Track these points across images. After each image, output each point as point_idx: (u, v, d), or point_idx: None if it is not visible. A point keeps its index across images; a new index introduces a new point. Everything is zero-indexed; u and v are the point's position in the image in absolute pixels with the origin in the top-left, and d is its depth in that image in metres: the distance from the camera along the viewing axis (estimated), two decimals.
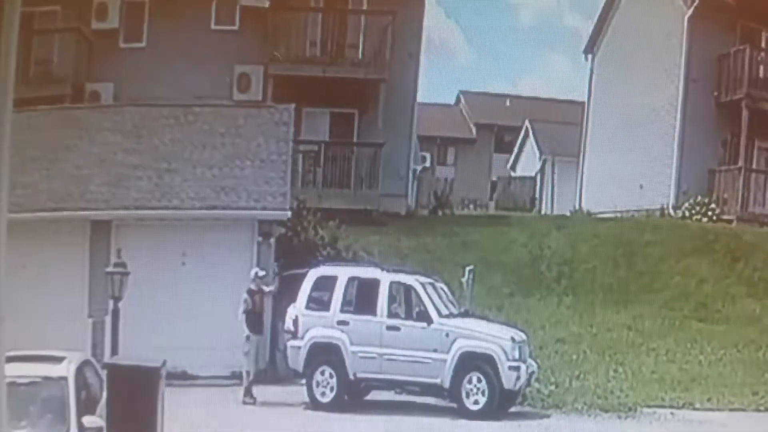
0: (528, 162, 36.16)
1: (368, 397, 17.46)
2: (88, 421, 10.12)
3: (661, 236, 23.26)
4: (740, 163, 25.75)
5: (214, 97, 23.28)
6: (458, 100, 40.58)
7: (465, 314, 17.70)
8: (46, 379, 10.29)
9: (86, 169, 19.60)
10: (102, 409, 10.63)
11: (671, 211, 25.73)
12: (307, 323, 17.20)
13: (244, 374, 17.34)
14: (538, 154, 35.42)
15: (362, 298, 17.27)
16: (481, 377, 16.54)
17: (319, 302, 17.31)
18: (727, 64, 26.25)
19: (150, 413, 10.56)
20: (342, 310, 17.20)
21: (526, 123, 36.49)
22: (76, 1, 24.78)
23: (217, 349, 18.17)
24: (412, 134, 26.31)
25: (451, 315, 17.17)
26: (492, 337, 16.78)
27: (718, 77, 26.28)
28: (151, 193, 19.37)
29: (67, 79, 24.42)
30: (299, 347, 17.17)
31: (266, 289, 17.89)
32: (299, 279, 17.72)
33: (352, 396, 17.24)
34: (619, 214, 26.21)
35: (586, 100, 30.33)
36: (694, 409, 17.27)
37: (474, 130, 39.23)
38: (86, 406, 10.44)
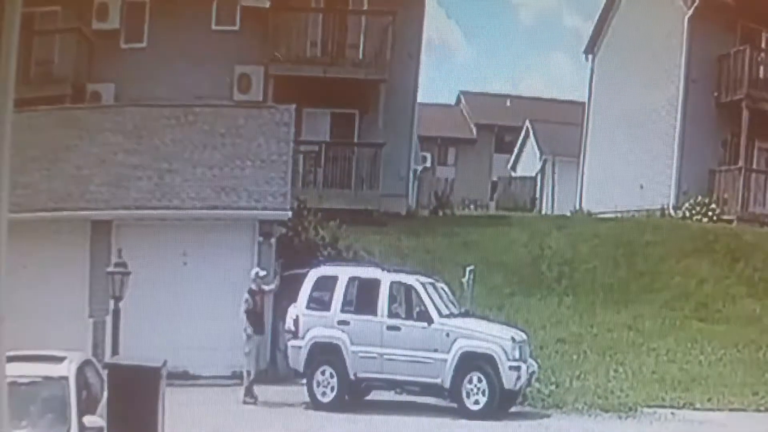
0: (528, 162, 36.15)
1: (369, 397, 17.48)
2: (88, 420, 10.14)
3: (662, 236, 23.26)
4: (740, 163, 25.75)
5: (214, 97, 23.29)
6: (459, 101, 40.57)
7: (465, 314, 17.71)
8: (47, 378, 10.31)
9: (87, 169, 19.62)
10: (103, 409, 10.65)
11: (671, 212, 25.72)
12: (308, 323, 17.22)
13: (245, 374, 17.36)
14: (538, 155, 35.41)
15: (363, 298, 17.29)
16: (482, 377, 16.56)
17: (319, 302, 17.33)
18: (727, 65, 26.24)
19: (151, 413, 10.58)
20: (342, 310, 17.22)
21: (527, 123, 36.48)
22: (77, 2, 24.78)
23: (218, 349, 18.19)
24: (413, 134, 26.31)
25: (451, 315, 17.18)
26: (492, 337, 16.80)
27: (719, 77, 26.28)
28: (152, 193, 19.38)
29: (68, 79, 24.42)
30: (300, 347, 17.19)
31: (266, 288, 17.90)
32: (300, 279, 17.74)
33: (353, 396, 17.25)
34: (619, 214, 26.21)
35: (586, 100, 30.32)
36: (695, 409, 17.28)
37: (474, 131, 39.22)
38: (87, 405, 10.46)
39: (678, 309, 21.05)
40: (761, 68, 26.43)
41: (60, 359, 10.76)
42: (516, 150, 37.42)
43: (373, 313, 17.08)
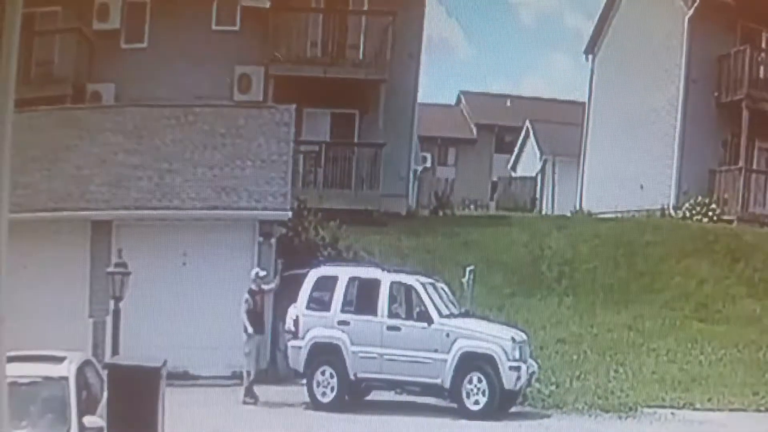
0: (529, 162, 36.12)
1: (369, 398, 17.49)
2: (88, 421, 10.14)
3: (662, 236, 23.25)
4: (741, 163, 25.74)
5: (214, 97, 23.29)
6: (459, 101, 40.54)
7: (465, 314, 17.72)
8: (47, 379, 10.31)
9: (87, 169, 19.62)
10: (103, 409, 10.65)
11: (672, 212, 25.72)
12: (308, 323, 17.23)
13: (245, 374, 17.36)
14: (538, 155, 35.38)
15: (363, 298, 17.29)
16: (482, 377, 16.57)
17: (319, 302, 17.34)
18: (727, 65, 26.24)
19: (151, 413, 10.58)
20: (343, 310, 17.23)
21: (527, 123, 36.45)
22: (78, 2, 24.78)
23: (218, 349, 18.20)
24: (413, 135, 26.30)
25: (451, 315, 17.19)
26: (492, 337, 16.80)
27: (719, 78, 26.27)
28: (152, 193, 19.39)
29: (68, 79, 24.42)
30: (300, 347, 17.19)
31: (266, 287, 17.91)
32: (300, 279, 17.74)
33: (353, 396, 17.26)
34: (619, 215, 26.21)
35: (586, 100, 30.31)
36: (695, 409, 17.29)
37: (474, 131, 39.19)
38: (87, 406, 10.46)
39: (678, 309, 21.06)
40: (761, 68, 26.42)
41: (60, 359, 10.76)
42: (516, 150, 37.39)
43: (373, 313, 17.09)
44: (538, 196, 34.23)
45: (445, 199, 28.74)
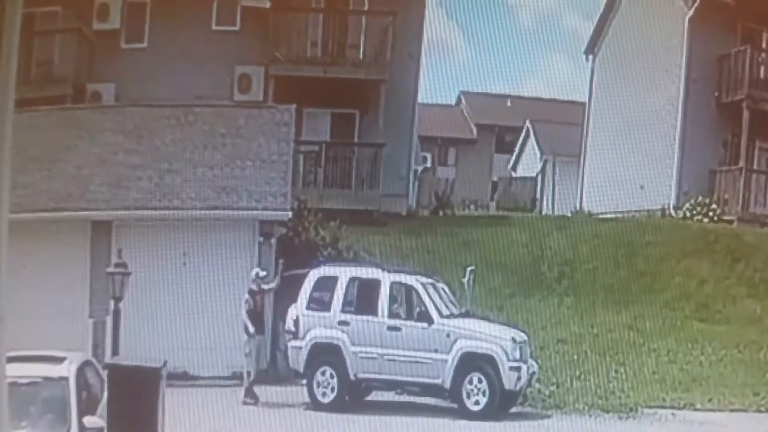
0: (529, 162, 36.14)
1: (369, 398, 17.48)
2: (88, 421, 10.13)
3: (662, 237, 23.25)
4: (741, 163, 25.74)
5: (214, 97, 23.28)
6: (459, 101, 40.55)
7: (466, 315, 17.71)
8: (47, 379, 10.30)
9: (87, 169, 19.61)
10: (103, 410, 10.65)
11: (672, 212, 25.71)
12: (308, 323, 17.22)
13: (245, 375, 17.35)
14: (538, 155, 35.39)
15: (363, 298, 17.29)
16: (482, 378, 16.56)
17: (319, 302, 17.33)
18: (727, 65, 26.23)
19: (151, 413, 10.58)
20: (343, 311, 17.22)
21: (527, 123, 36.47)
22: (78, 2, 24.78)
23: (218, 350, 18.19)
24: (413, 135, 26.30)
25: (451, 315, 17.18)
26: (493, 337, 16.79)
27: (719, 78, 26.26)
28: (152, 193, 19.38)
29: (68, 79, 24.41)
30: (300, 347, 17.19)
31: (266, 287, 17.90)
32: (300, 279, 17.73)
33: (353, 396, 17.25)
34: (619, 215, 26.20)
35: (586, 100, 30.31)
36: (695, 409, 17.28)
37: (475, 131, 39.21)
38: (87, 406, 10.45)
39: (678, 309, 21.05)
40: (762, 68, 26.42)
41: (60, 360, 10.76)
42: (516, 150, 37.41)
43: (374, 313, 17.08)
44: (538, 196, 34.24)
45: (446, 200, 28.74)
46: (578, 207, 29.16)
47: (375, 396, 17.46)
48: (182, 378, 17.14)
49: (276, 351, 18.64)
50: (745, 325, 20.53)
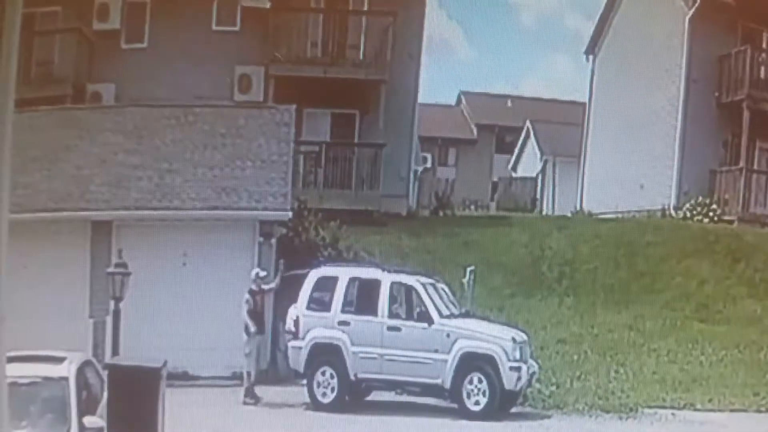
0: (529, 162, 36.13)
1: (369, 398, 17.48)
2: (88, 421, 10.14)
3: (662, 237, 23.25)
4: (741, 163, 25.73)
5: (215, 97, 23.28)
6: (459, 101, 40.55)
7: (466, 315, 17.71)
8: (47, 379, 10.31)
9: (87, 169, 19.61)
10: (103, 410, 10.65)
11: (672, 212, 25.71)
12: (308, 324, 17.22)
13: (245, 375, 17.35)
14: (539, 155, 35.39)
15: (363, 298, 17.29)
16: (482, 378, 16.56)
17: (320, 303, 17.33)
18: (728, 65, 26.23)
19: (151, 414, 10.58)
20: (343, 311, 17.22)
21: (527, 123, 36.46)
22: (78, 2, 24.78)
23: (218, 350, 18.18)
24: (413, 135, 26.29)
25: (452, 315, 17.18)
26: (493, 337, 16.79)
27: (719, 78, 26.26)
28: (152, 193, 19.38)
29: (68, 79, 24.41)
30: (300, 348, 17.19)
31: (267, 287, 17.91)
32: (300, 279, 17.73)
33: (353, 396, 17.25)
34: (620, 215, 26.20)
35: (587, 100, 30.31)
36: (695, 409, 17.28)
37: (475, 131, 39.20)
38: (87, 406, 10.45)
39: (679, 309, 21.05)
40: (762, 68, 26.42)
41: (60, 360, 10.76)
42: (516, 150, 37.40)
43: (374, 313, 17.08)
44: (538, 196, 34.24)
45: (446, 200, 28.74)
46: (578, 207, 29.16)
47: (375, 396, 17.46)
48: (182, 378, 17.13)
49: (276, 351, 18.64)
50: (746, 326, 20.53)
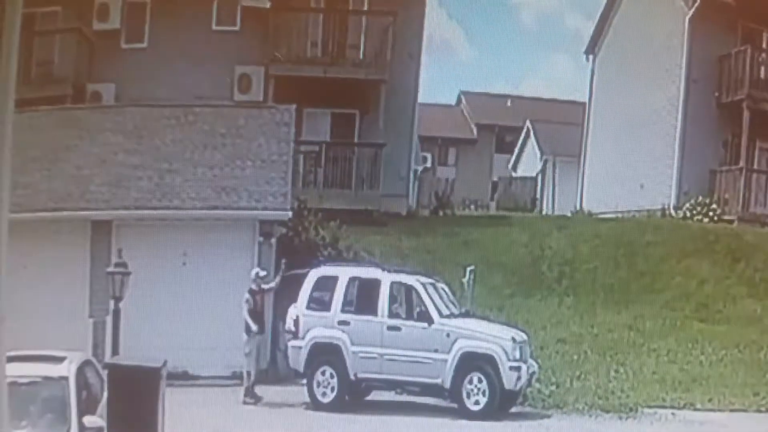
0: (529, 162, 36.12)
1: (369, 398, 17.48)
2: (88, 421, 10.14)
3: (662, 236, 23.25)
4: (741, 163, 25.73)
5: (215, 97, 23.28)
6: (459, 101, 40.54)
7: (466, 314, 17.71)
8: (47, 378, 10.31)
9: (87, 169, 19.62)
10: (103, 409, 10.65)
11: (672, 212, 25.71)
12: (308, 323, 17.22)
13: (245, 374, 17.36)
14: (539, 155, 35.38)
15: (363, 298, 17.29)
16: (482, 377, 16.56)
17: (319, 302, 17.33)
18: (728, 65, 26.23)
19: (151, 413, 10.58)
20: (343, 310, 17.22)
21: (527, 123, 36.45)
22: (78, 2, 24.77)
23: (218, 350, 18.19)
24: (413, 135, 26.29)
25: (451, 315, 17.18)
26: (493, 337, 16.79)
27: (719, 78, 26.26)
28: (152, 193, 19.38)
29: (68, 79, 24.41)
30: (300, 347, 17.19)
31: (266, 287, 17.91)
32: (300, 279, 17.73)
33: (353, 396, 17.25)
34: (620, 215, 26.20)
35: (587, 100, 30.30)
36: (695, 409, 17.29)
37: (475, 131, 39.19)
38: (87, 406, 10.45)
39: (679, 309, 21.05)
40: (762, 68, 26.42)
41: (60, 359, 10.76)
42: (516, 150, 37.39)
43: (374, 313, 17.08)
44: (538, 196, 34.23)
45: (446, 199, 28.73)
46: (578, 207, 29.16)
47: (375, 396, 17.46)
48: (182, 378, 17.13)
49: (276, 351, 18.65)
50: (746, 325, 20.53)
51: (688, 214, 25.24)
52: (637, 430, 16.44)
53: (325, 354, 17.05)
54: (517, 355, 16.66)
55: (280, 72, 24.49)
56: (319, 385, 17.05)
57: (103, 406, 10.70)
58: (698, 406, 17.37)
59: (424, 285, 17.30)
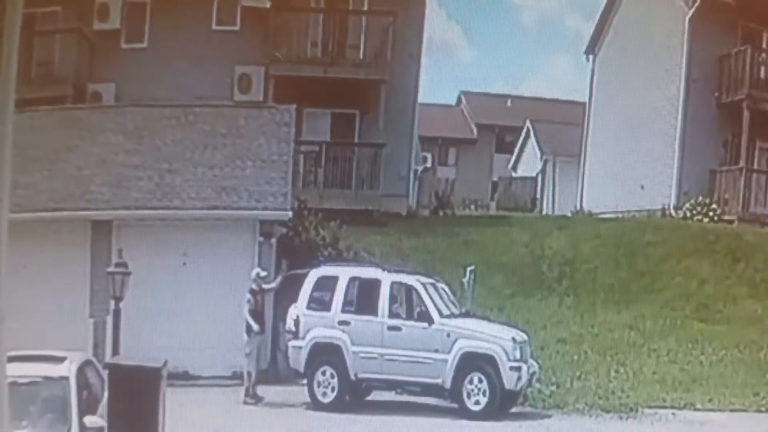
0: (529, 162, 36.13)
1: (369, 398, 17.48)
2: (89, 421, 10.14)
3: (663, 236, 23.25)
4: (741, 163, 25.73)
5: (215, 97, 23.28)
6: (459, 101, 40.54)
7: (466, 314, 17.71)
8: (48, 379, 10.31)
9: (87, 169, 19.62)
10: (103, 409, 10.65)
11: (672, 212, 25.71)
12: (309, 323, 17.22)
13: (245, 375, 17.35)
14: (539, 155, 35.38)
15: (363, 298, 17.29)
16: (482, 378, 16.56)
17: (320, 302, 17.33)
18: (728, 65, 26.23)
19: (151, 413, 10.58)
20: (343, 311, 17.22)
21: (527, 123, 36.46)
22: (78, 2, 24.78)
23: (219, 350, 18.19)
24: (413, 135, 26.30)
25: (452, 315, 17.18)
26: (493, 337, 16.79)
27: (719, 78, 26.26)
28: (152, 193, 19.39)
29: (69, 79, 24.41)
30: (300, 347, 17.19)
31: (267, 287, 17.91)
32: (300, 279, 17.73)
33: (353, 396, 17.25)
34: (620, 215, 26.20)
35: (587, 100, 30.31)
36: (696, 409, 17.29)
37: (475, 131, 39.20)
38: (87, 406, 10.46)
39: (679, 309, 21.05)
40: (762, 68, 26.42)
41: (60, 359, 10.76)
42: (516, 150, 37.40)
43: (374, 313, 17.08)
44: (538, 196, 34.23)
45: (446, 199, 28.74)
46: (578, 207, 29.16)
47: (375, 396, 17.46)
48: (183, 378, 17.14)
49: (276, 351, 18.65)
50: (746, 325, 20.52)
51: (688, 214, 25.24)
52: (637, 431, 16.44)
53: (326, 354, 17.05)
54: (518, 355, 16.66)
55: (280, 72, 24.50)
56: (319, 385, 17.05)
57: (103, 406, 10.70)
58: (698, 406, 17.37)
59: (424, 285, 17.30)
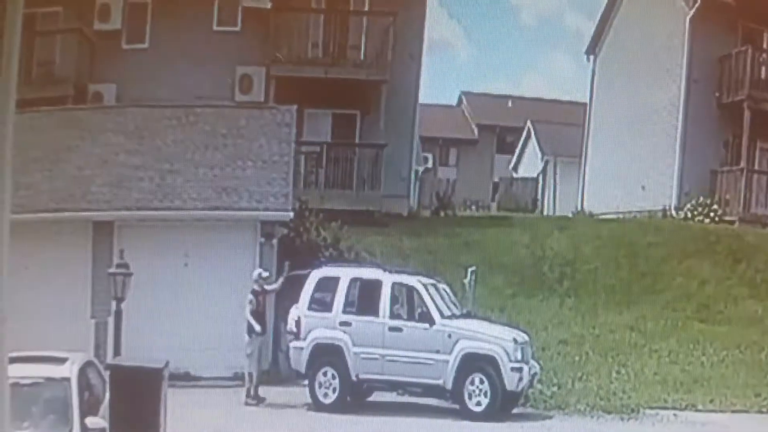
0: (530, 163, 36.13)
1: (370, 398, 17.48)
2: (90, 422, 10.14)
3: (663, 237, 23.24)
4: (742, 164, 25.73)
5: (216, 98, 23.28)
6: (460, 101, 40.55)
7: (467, 315, 17.70)
8: (49, 379, 10.31)
9: (88, 169, 19.61)
10: (105, 410, 10.65)
11: (673, 212, 25.71)
12: (310, 324, 17.21)
13: (247, 375, 17.35)
14: (540, 155, 35.38)
15: (364, 299, 17.28)
16: (484, 378, 16.55)
17: (321, 303, 17.33)
18: (728, 65, 26.22)
19: (153, 414, 10.58)
20: (344, 311, 17.21)
21: (528, 124, 36.46)
22: (79, 3, 24.78)
23: (220, 350, 18.18)
24: (414, 135, 26.30)
25: (453, 316, 17.17)
26: (494, 338, 16.78)
27: (720, 78, 26.26)
28: (153, 193, 19.38)
29: (70, 80, 24.41)
30: (302, 348, 17.18)
31: (269, 288, 17.91)
32: (301, 280, 17.73)
33: (355, 397, 17.24)
34: (621, 215, 26.20)
35: (588, 100, 30.30)
36: (697, 410, 17.28)
37: (476, 131, 39.21)
38: (89, 406, 10.45)
39: (680, 310, 21.04)
40: (763, 69, 26.41)
41: (62, 360, 10.76)
42: (517, 151, 37.40)
43: (375, 314, 17.07)
44: (539, 196, 34.23)
45: (447, 200, 28.73)
46: (579, 208, 29.16)
47: (376, 397, 17.45)
48: (184, 378, 17.13)
49: (278, 352, 18.64)
50: (747, 326, 20.51)
51: (689, 214, 25.24)
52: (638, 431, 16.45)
53: (327, 355, 17.05)
54: (519, 356, 16.65)
55: (281, 72, 24.50)
56: (320, 386, 17.05)
57: (105, 407, 10.70)
58: (700, 407, 17.36)
59: (425, 286, 17.29)
